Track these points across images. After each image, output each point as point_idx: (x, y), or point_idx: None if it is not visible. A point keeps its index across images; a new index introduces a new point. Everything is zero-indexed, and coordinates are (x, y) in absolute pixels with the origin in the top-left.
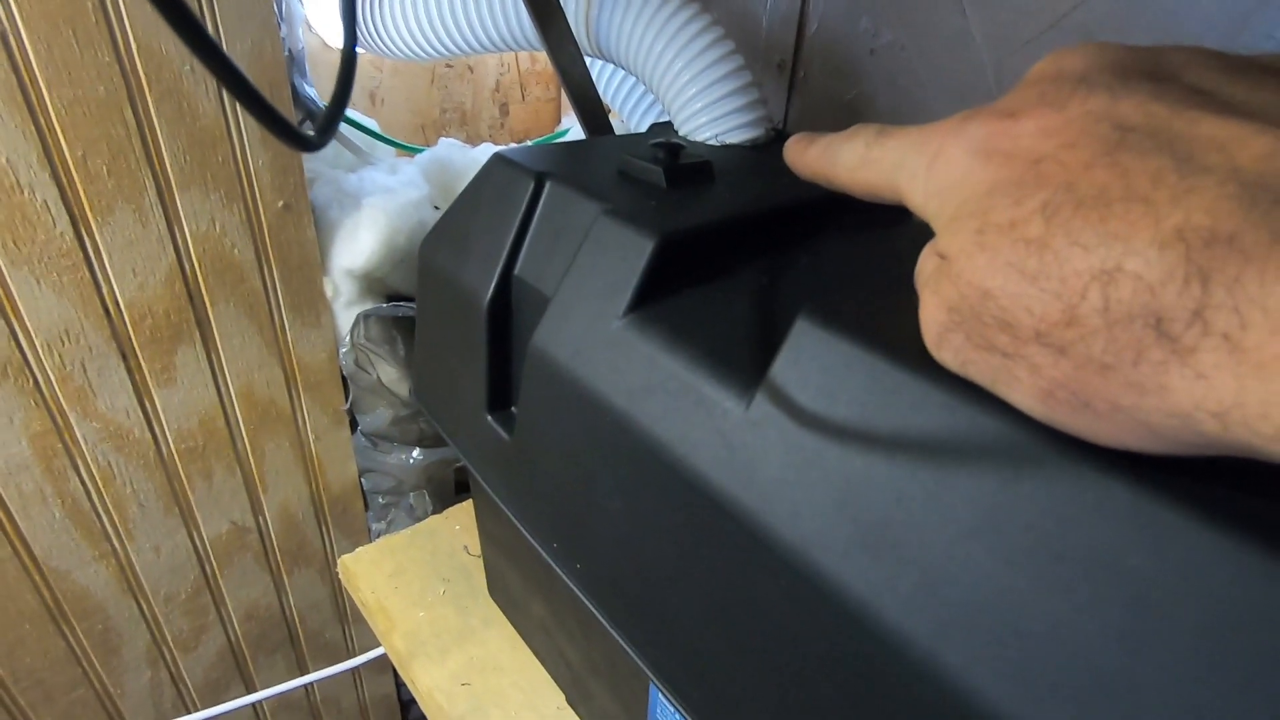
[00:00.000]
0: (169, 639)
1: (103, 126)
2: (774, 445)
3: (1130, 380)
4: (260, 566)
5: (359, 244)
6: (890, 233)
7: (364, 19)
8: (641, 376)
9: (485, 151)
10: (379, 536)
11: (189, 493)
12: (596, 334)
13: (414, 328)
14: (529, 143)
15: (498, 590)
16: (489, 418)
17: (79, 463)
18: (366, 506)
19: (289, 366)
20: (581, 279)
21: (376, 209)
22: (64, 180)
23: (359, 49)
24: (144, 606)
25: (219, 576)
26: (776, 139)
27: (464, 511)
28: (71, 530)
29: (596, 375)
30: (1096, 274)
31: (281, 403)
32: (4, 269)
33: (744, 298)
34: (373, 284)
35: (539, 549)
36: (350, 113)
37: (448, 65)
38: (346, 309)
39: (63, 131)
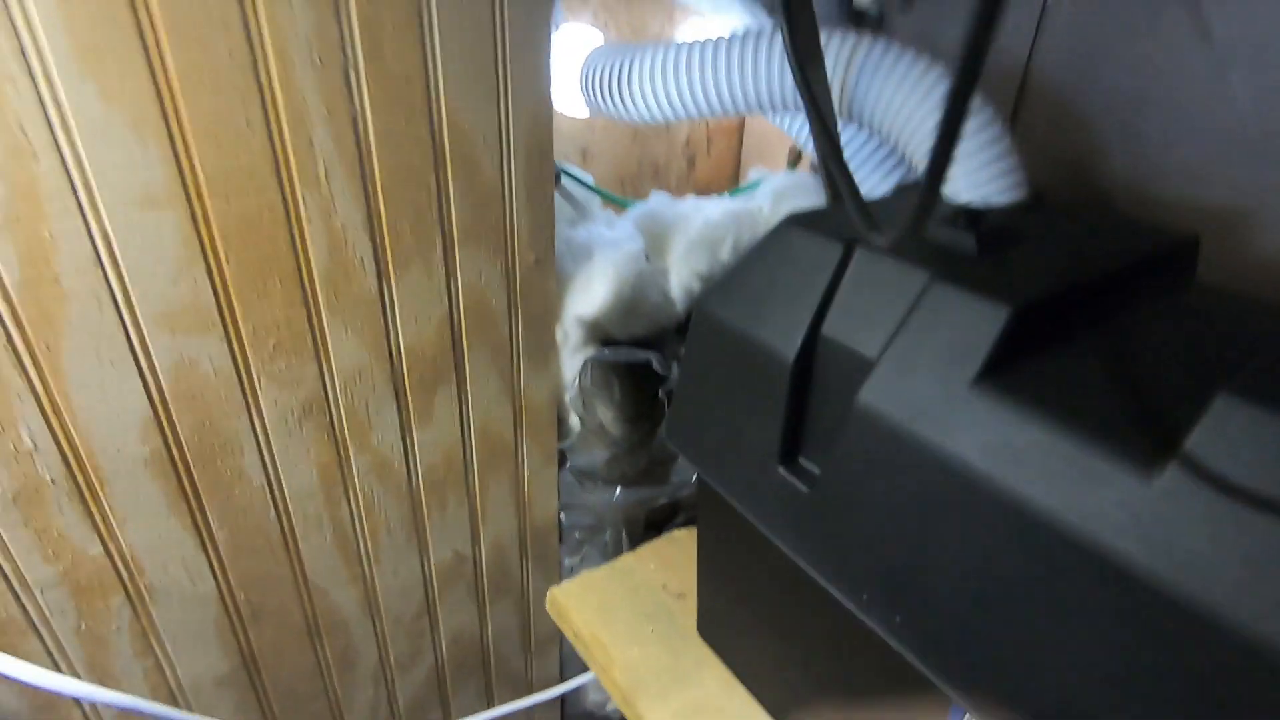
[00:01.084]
0: (392, 659)
1: (412, 191)
2: (1194, 516)
3: None
4: (470, 595)
5: (593, 294)
6: (1205, 299)
7: (606, 89)
8: (1003, 440)
9: (692, 205)
10: (570, 570)
11: (426, 521)
12: (944, 397)
13: (627, 373)
14: (754, 191)
15: (712, 631)
16: (782, 470)
17: (350, 491)
18: (561, 541)
19: (518, 407)
20: (916, 342)
21: (608, 261)
22: (377, 239)
23: (593, 114)
24: (378, 626)
25: (438, 602)
26: (1037, 200)
27: (656, 551)
28: (336, 553)
29: (945, 436)
30: None
31: (508, 440)
32: (325, 317)
33: (1095, 364)
34: (595, 331)
35: (844, 601)
36: (570, 168)
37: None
38: (572, 355)
39: (382, 196)
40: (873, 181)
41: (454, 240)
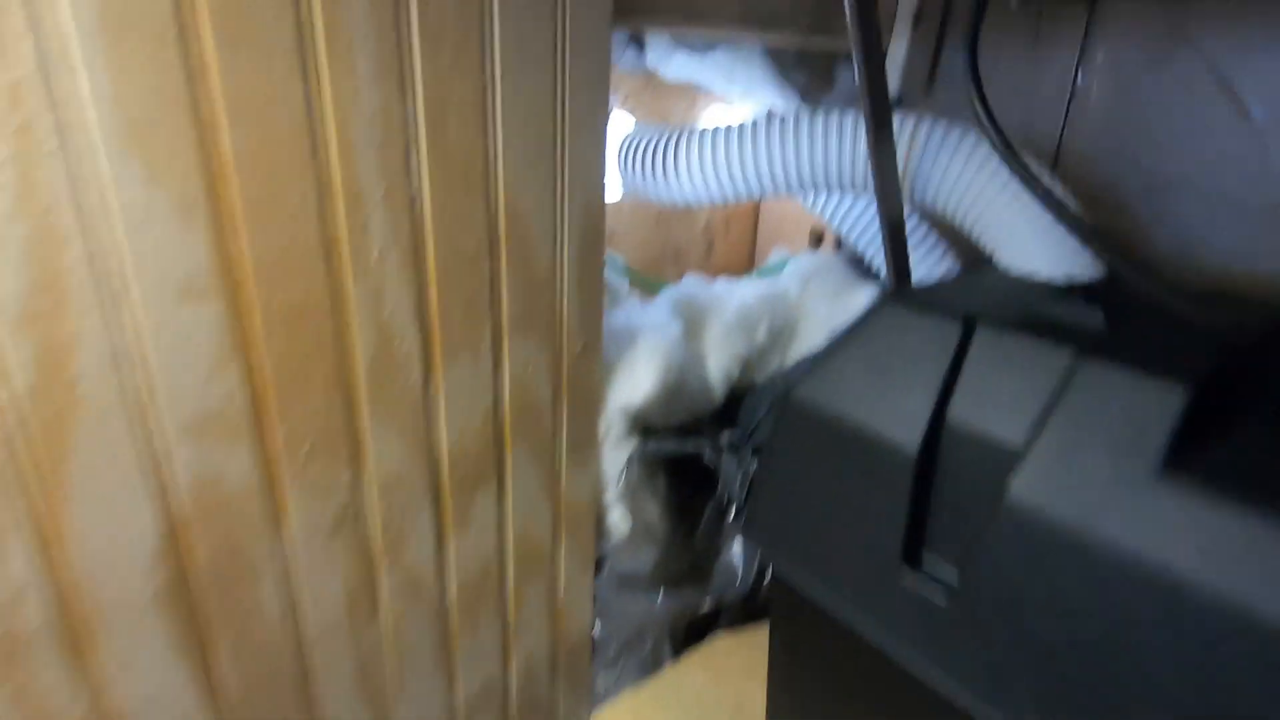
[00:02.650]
0: None
1: (465, 277)
2: None
3: None
4: None
5: (638, 382)
6: None
7: (647, 165)
8: (1207, 534)
9: (724, 288)
10: (604, 692)
11: (457, 646)
12: (1124, 487)
13: (672, 465)
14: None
15: None
16: (910, 574)
17: (379, 616)
18: (594, 656)
19: (558, 508)
20: (1076, 428)
21: (653, 348)
22: (426, 329)
23: (628, 191)
24: None
25: None
26: (1113, 278)
27: (703, 660)
28: (355, 694)
29: (1131, 532)
30: None
31: (545, 546)
32: (366, 417)
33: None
34: (638, 421)
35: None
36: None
37: (672, 208)
38: (614, 448)
39: (435, 284)
40: (926, 266)
41: (504, 328)
